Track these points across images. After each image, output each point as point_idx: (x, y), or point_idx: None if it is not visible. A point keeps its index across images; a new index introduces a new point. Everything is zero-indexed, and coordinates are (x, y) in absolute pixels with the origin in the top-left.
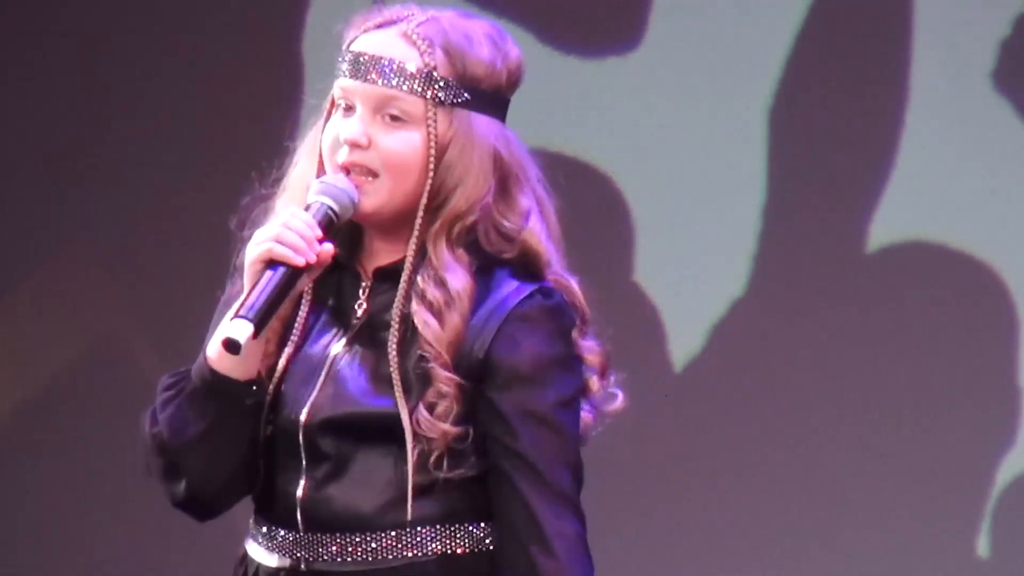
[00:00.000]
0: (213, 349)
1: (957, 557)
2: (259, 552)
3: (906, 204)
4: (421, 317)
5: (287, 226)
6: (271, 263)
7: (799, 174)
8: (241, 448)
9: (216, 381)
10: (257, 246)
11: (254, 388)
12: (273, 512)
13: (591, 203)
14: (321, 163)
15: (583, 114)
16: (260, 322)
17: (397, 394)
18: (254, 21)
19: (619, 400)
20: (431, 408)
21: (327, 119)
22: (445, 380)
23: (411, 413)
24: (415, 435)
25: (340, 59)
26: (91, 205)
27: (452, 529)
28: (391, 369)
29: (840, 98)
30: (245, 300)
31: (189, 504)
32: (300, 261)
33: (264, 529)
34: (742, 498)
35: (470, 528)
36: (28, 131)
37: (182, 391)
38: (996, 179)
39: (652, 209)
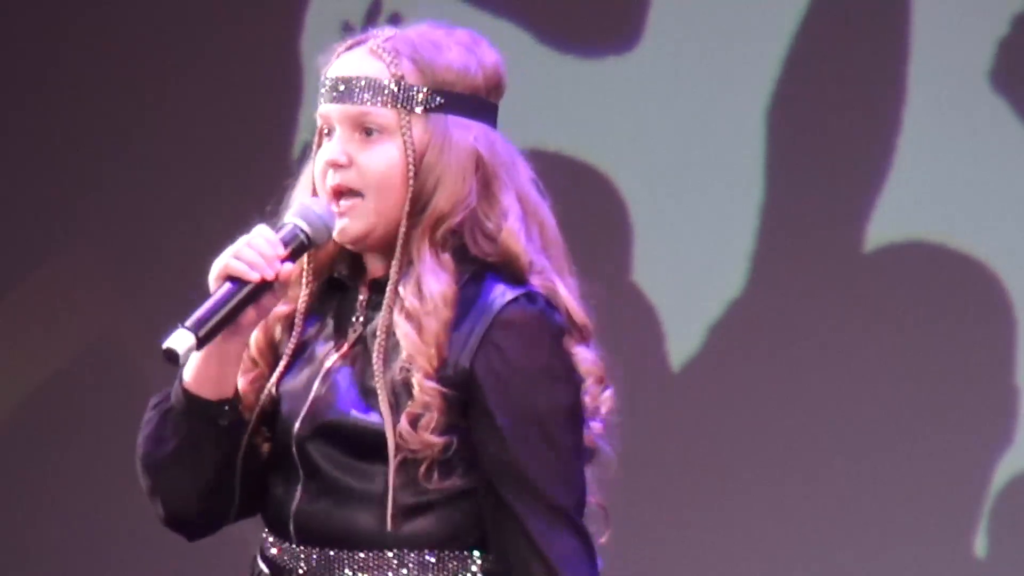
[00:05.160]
0: (188, 370)
1: (955, 556)
2: (261, 562)
3: (904, 204)
4: (401, 328)
5: (248, 243)
6: (229, 278)
7: (797, 174)
8: (216, 468)
9: (189, 401)
10: (218, 262)
11: (226, 408)
12: (272, 523)
13: (589, 203)
14: (315, 192)
15: (581, 114)
16: (204, 334)
17: (382, 406)
18: (254, 21)
19: (609, 399)
20: (415, 420)
21: (316, 150)
22: (428, 390)
23: (395, 425)
24: (398, 448)
25: (319, 88)
26: (90, 205)
27: (444, 554)
28: (376, 381)
29: (838, 98)
30: (191, 313)
31: (171, 523)
32: (255, 276)
33: (266, 540)
34: (740, 498)
35: (463, 554)
36: (28, 132)
37: (161, 411)
38: (994, 179)
39: (650, 209)
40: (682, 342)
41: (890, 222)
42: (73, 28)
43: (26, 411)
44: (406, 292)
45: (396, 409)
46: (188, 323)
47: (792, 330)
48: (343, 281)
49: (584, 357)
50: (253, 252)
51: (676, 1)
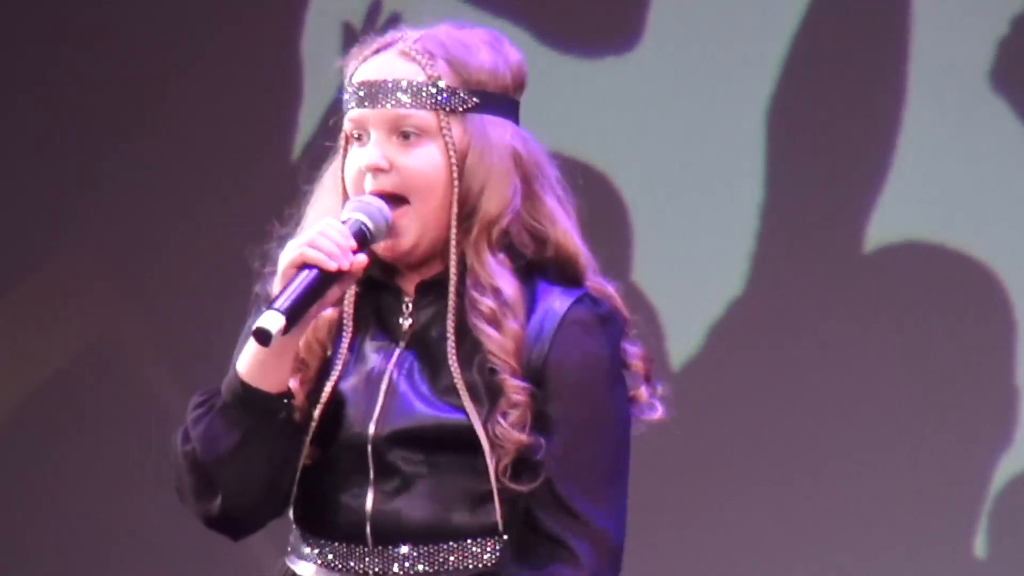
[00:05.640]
0: (243, 363)
1: (954, 557)
2: (315, 570)
3: (903, 204)
4: (482, 329)
5: (322, 233)
6: (304, 267)
7: (797, 174)
8: (274, 463)
9: (247, 394)
10: (291, 251)
11: (285, 401)
12: (336, 528)
13: (589, 203)
14: (346, 197)
15: (581, 114)
16: (291, 316)
17: (467, 405)
18: (254, 21)
19: (658, 412)
20: (506, 417)
21: (344, 155)
22: (516, 388)
23: (484, 423)
24: (491, 445)
25: (346, 94)
26: (90, 205)
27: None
28: (455, 381)
29: (838, 98)
30: (277, 296)
31: (223, 521)
32: (333, 266)
33: (325, 546)
34: (740, 498)
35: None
36: (28, 132)
37: (213, 407)
38: (993, 179)
39: (650, 209)
40: (682, 342)
41: (890, 222)
42: (73, 28)
43: (26, 411)
44: (478, 294)
45: (481, 408)
46: (277, 305)
47: (792, 330)
48: (380, 282)
49: (636, 353)
50: (330, 242)
51: (676, 1)
